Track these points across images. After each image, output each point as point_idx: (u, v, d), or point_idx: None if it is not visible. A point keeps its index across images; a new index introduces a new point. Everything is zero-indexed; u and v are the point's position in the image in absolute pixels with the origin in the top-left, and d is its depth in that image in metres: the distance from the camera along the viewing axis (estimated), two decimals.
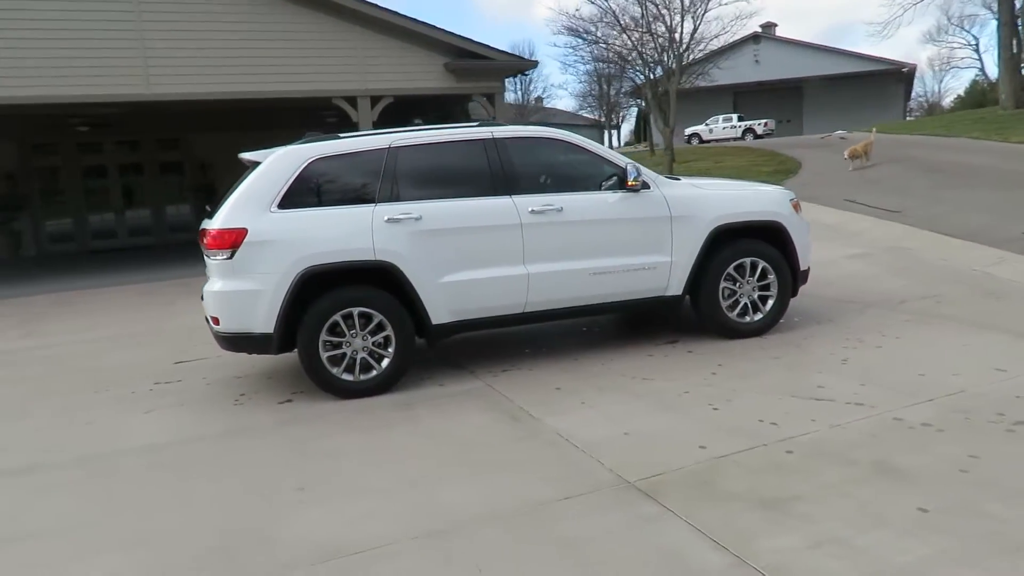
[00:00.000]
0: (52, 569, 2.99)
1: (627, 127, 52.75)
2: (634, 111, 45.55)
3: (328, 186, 4.88)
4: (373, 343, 4.85)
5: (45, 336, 7.87)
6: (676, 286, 5.42)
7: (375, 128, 10.54)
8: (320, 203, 4.82)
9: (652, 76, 22.75)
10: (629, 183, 5.16)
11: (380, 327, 4.84)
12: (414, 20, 12.16)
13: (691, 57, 22.14)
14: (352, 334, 4.80)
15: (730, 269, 5.49)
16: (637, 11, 21.05)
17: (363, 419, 4.49)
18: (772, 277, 5.59)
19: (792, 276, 5.66)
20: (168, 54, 10.82)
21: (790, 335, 5.63)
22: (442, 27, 12.40)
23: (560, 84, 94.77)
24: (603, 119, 41.64)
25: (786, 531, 2.84)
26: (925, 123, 29.06)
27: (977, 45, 45.79)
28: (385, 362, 4.89)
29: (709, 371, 4.90)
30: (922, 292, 6.70)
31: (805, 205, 11.81)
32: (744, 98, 39.35)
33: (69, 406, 5.19)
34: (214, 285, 4.77)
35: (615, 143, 45.82)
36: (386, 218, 4.78)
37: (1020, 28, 24.70)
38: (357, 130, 9.44)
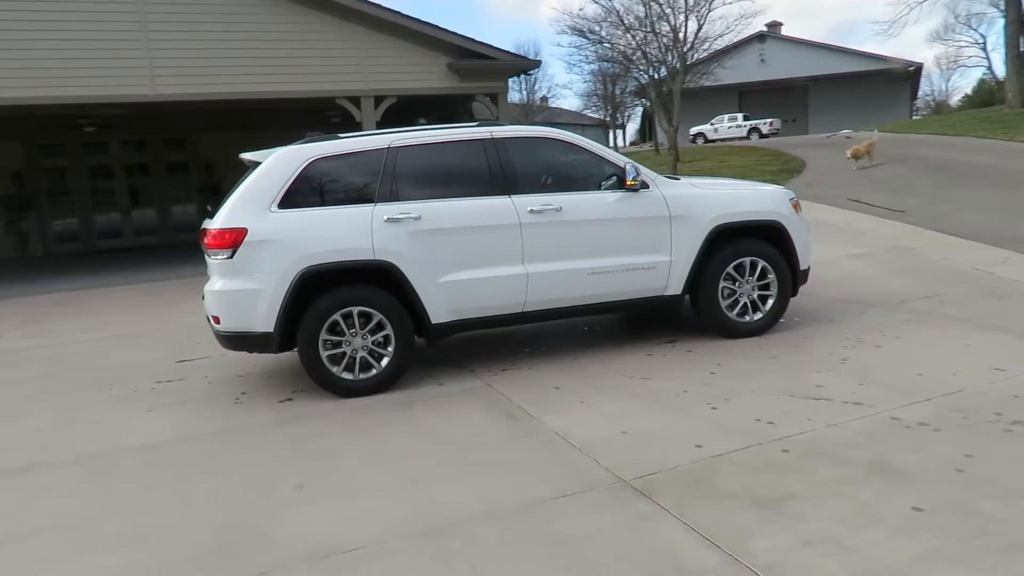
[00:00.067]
0: (51, 567, 3.02)
1: (633, 127, 52.76)
2: (639, 111, 45.52)
3: (328, 186, 4.90)
4: (373, 342, 4.88)
5: (49, 335, 7.92)
6: (675, 286, 5.42)
7: (379, 128, 10.58)
8: (320, 203, 4.85)
9: (656, 76, 22.72)
10: (628, 183, 5.17)
11: (380, 326, 4.86)
12: (417, 20, 12.19)
13: (695, 57, 22.08)
14: (352, 333, 4.83)
15: (729, 269, 5.50)
16: (641, 11, 21.03)
17: (362, 418, 4.51)
18: (772, 277, 5.59)
19: (792, 276, 5.66)
20: (173, 55, 10.88)
21: (790, 335, 5.63)
22: (446, 27, 12.44)
23: (565, 84, 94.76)
24: (608, 119, 41.61)
25: (780, 530, 2.85)
26: (931, 122, 28.94)
27: (984, 44, 45.66)
28: (385, 361, 4.91)
29: (708, 370, 4.91)
30: (924, 292, 6.69)
31: (809, 204, 11.83)
32: (749, 97, 39.28)
33: (71, 405, 5.23)
34: (215, 284, 4.80)
35: (620, 143, 45.81)
36: (385, 218, 4.80)
37: None
38: (361, 130, 9.49)
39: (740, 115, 35.12)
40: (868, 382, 4.44)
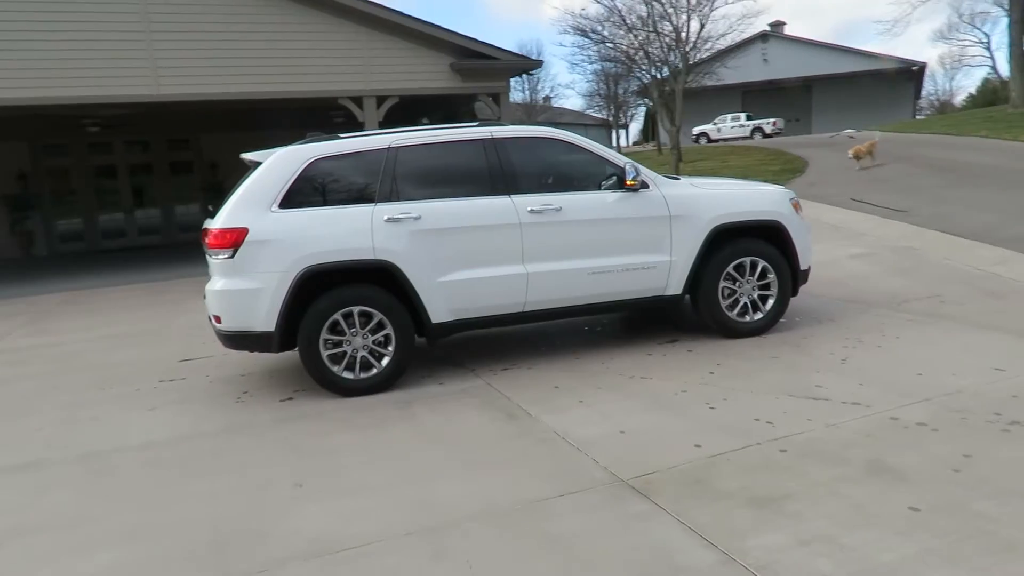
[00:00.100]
0: (52, 563, 3.04)
1: (636, 126, 52.71)
2: (642, 110, 45.49)
3: (328, 186, 4.92)
4: (373, 341, 4.89)
5: (54, 334, 7.96)
6: (675, 285, 5.43)
7: (381, 128, 10.61)
8: (320, 203, 4.87)
9: (658, 76, 22.71)
10: (628, 183, 5.18)
11: (380, 326, 4.88)
12: (420, 20, 12.21)
13: (697, 56, 22.07)
14: (352, 333, 4.84)
15: (730, 268, 5.50)
16: (644, 10, 21.03)
17: (362, 417, 4.53)
18: (772, 276, 5.59)
19: (792, 275, 5.66)
20: (176, 55, 10.92)
21: (790, 334, 5.63)
22: (448, 27, 12.46)
23: (568, 84, 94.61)
24: (611, 119, 41.57)
25: (775, 529, 2.86)
26: (934, 122, 28.87)
27: (988, 43, 45.28)
28: (385, 360, 4.93)
29: (707, 370, 4.92)
30: (925, 292, 6.69)
31: (811, 204, 11.83)
32: (752, 97, 39.23)
33: (74, 403, 5.26)
34: (216, 284, 4.83)
35: (623, 142, 45.76)
36: (386, 218, 4.82)
37: None
38: (363, 130, 9.51)
39: (743, 115, 35.08)
40: (868, 382, 4.44)
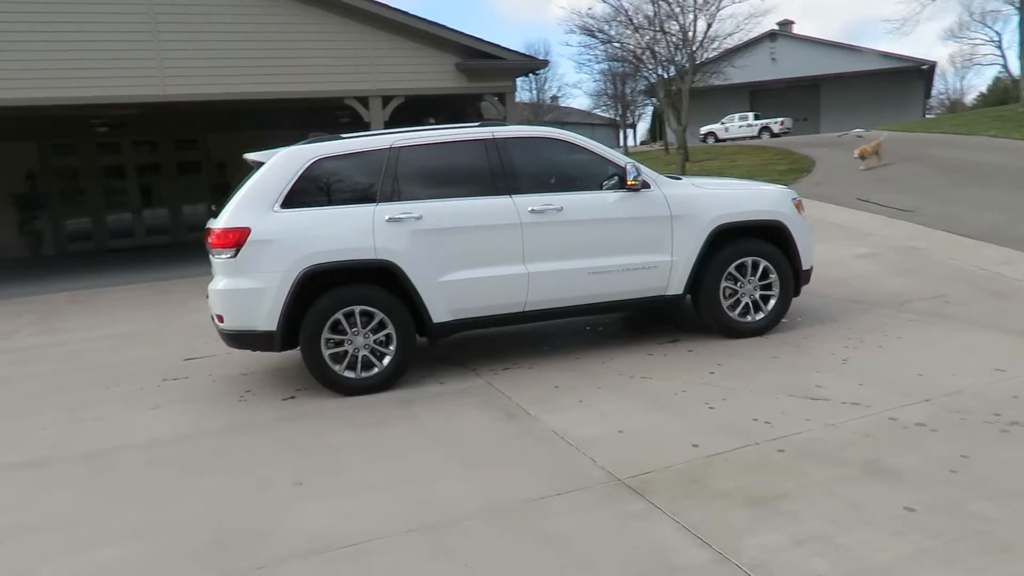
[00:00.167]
0: (54, 560, 3.07)
1: (643, 126, 52.59)
2: (650, 110, 45.40)
3: (330, 186, 4.94)
4: (374, 341, 4.92)
5: (61, 333, 8.02)
6: (676, 285, 5.43)
7: (387, 128, 10.64)
8: (322, 203, 4.89)
9: (665, 75, 22.68)
10: (629, 182, 5.19)
11: (381, 325, 4.90)
12: (425, 20, 12.24)
13: (705, 56, 22.03)
14: (354, 332, 4.87)
15: (731, 268, 5.50)
16: (650, 10, 21.00)
17: (363, 416, 4.55)
18: (774, 276, 5.59)
19: (794, 276, 5.65)
20: (183, 56, 10.98)
21: (792, 335, 5.62)
22: (453, 27, 12.48)
23: (575, 83, 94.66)
24: (618, 118, 41.52)
25: (771, 529, 2.86)
26: (944, 121, 28.72)
27: (1000, 41, 44.94)
28: (386, 360, 4.95)
29: (708, 370, 4.92)
30: (928, 292, 6.67)
31: (817, 204, 11.80)
32: (761, 96, 39.11)
33: (79, 402, 5.30)
34: (218, 283, 4.86)
35: (631, 142, 45.71)
36: (387, 217, 4.84)
37: None
38: (369, 129, 9.55)
39: (751, 114, 35.00)
40: (868, 382, 4.44)
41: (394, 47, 12.18)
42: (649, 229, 5.32)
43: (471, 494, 3.37)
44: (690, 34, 20.53)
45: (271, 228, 4.72)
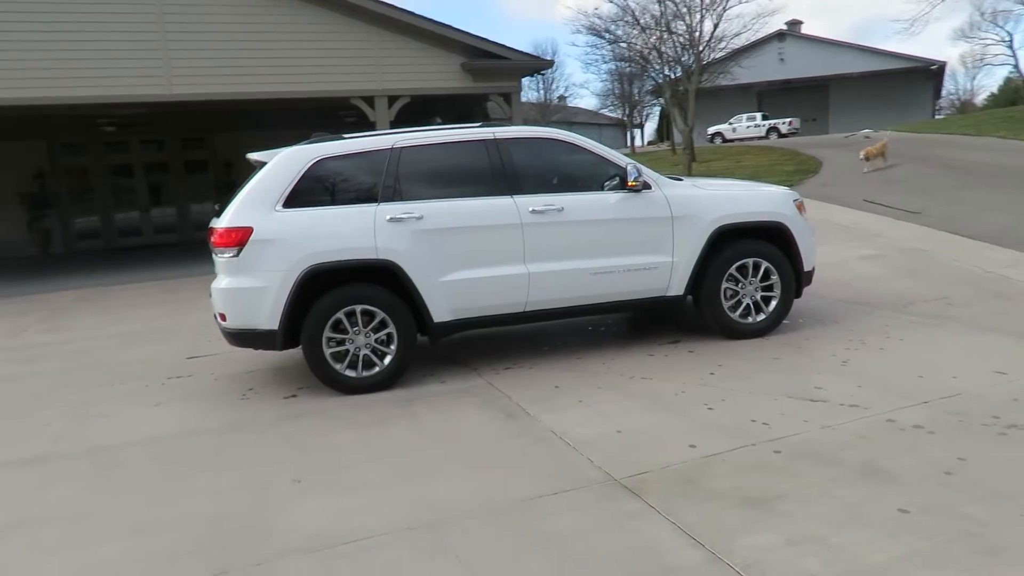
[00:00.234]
0: (56, 555, 3.11)
1: (651, 126, 52.51)
2: (657, 110, 45.33)
3: (332, 186, 4.98)
4: (375, 340, 4.95)
5: (68, 331, 8.09)
6: (677, 286, 5.44)
7: (393, 127, 10.68)
8: (324, 202, 4.92)
9: (672, 75, 22.65)
10: (630, 183, 5.20)
11: (382, 324, 4.93)
12: (431, 20, 12.28)
13: (711, 56, 21.98)
14: (355, 331, 4.90)
15: (732, 270, 5.50)
16: (657, 10, 20.98)
17: (363, 415, 4.58)
18: (775, 278, 5.59)
19: (796, 277, 5.65)
20: (189, 56, 11.06)
21: (793, 336, 5.62)
22: (460, 27, 12.52)
23: (582, 83, 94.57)
24: (625, 118, 41.47)
25: (764, 529, 2.88)
26: (953, 122, 28.56)
27: (1011, 41, 44.80)
28: (387, 359, 4.98)
29: (708, 371, 4.93)
30: (931, 294, 6.65)
31: (823, 205, 11.78)
32: (769, 97, 39.00)
33: (84, 399, 5.35)
34: (221, 282, 4.90)
35: (638, 142, 45.62)
36: (388, 217, 4.87)
37: None
38: (375, 129, 9.59)
39: (759, 114, 34.89)
40: (867, 384, 4.44)
41: (400, 47, 12.22)
42: (650, 230, 5.33)
43: (469, 493, 3.40)
44: (696, 34, 20.49)
45: (273, 227, 4.76)
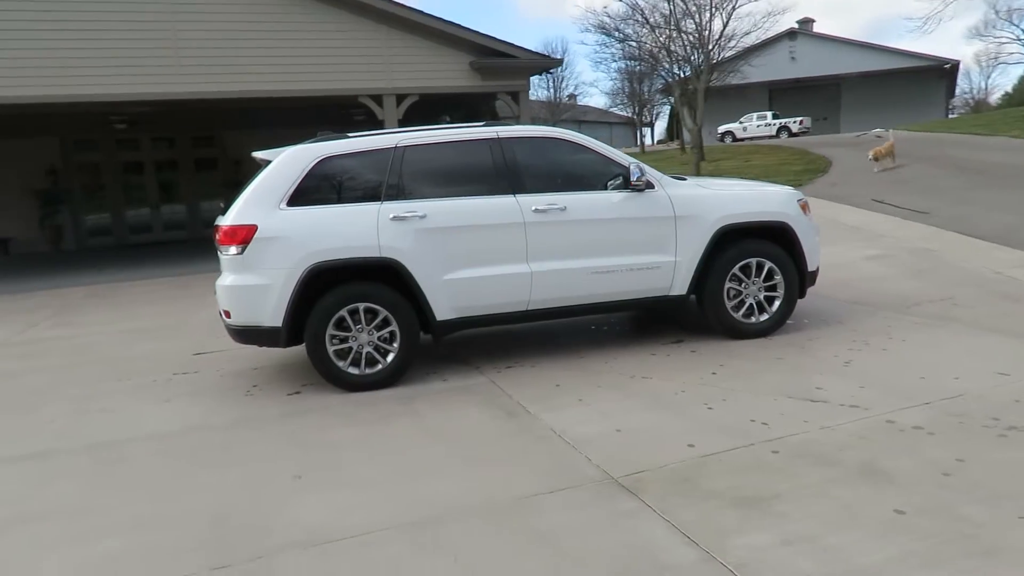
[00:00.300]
0: (57, 550, 3.15)
1: (661, 124, 52.37)
2: (667, 108, 45.22)
3: (336, 184, 5.01)
4: (378, 338, 4.98)
5: (77, 326, 8.18)
6: (680, 286, 5.44)
7: (401, 126, 10.72)
8: (328, 201, 4.95)
9: (681, 74, 22.59)
10: (633, 183, 5.21)
11: (385, 322, 4.96)
12: (439, 19, 12.30)
13: (721, 55, 21.91)
14: (358, 329, 4.93)
15: (735, 269, 5.50)
16: (666, 8, 20.93)
17: (365, 412, 4.62)
18: (778, 278, 5.58)
19: (799, 277, 5.64)
20: (200, 54, 11.13)
21: (796, 336, 5.61)
22: (468, 26, 12.54)
23: (592, 82, 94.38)
24: (635, 117, 41.39)
25: (760, 529, 2.88)
26: (966, 121, 28.34)
27: None
28: (390, 357, 5.01)
29: (709, 371, 4.93)
30: (937, 295, 6.62)
31: (831, 205, 11.74)
32: (780, 95, 38.83)
33: (90, 394, 5.41)
34: (225, 279, 4.95)
35: (648, 141, 45.53)
36: (391, 216, 4.90)
37: None
38: (383, 128, 9.63)
39: (769, 113, 34.75)
40: (869, 385, 4.43)
41: (408, 46, 12.26)
42: (653, 229, 5.33)
43: (467, 490, 3.42)
44: (706, 33, 20.43)
45: (277, 225, 4.80)
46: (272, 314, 4.80)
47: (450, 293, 5.02)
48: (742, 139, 33.45)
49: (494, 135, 5.21)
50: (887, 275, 7.59)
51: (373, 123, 12.11)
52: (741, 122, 34.66)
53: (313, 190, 4.91)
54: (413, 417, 4.48)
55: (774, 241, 5.58)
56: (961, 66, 40.71)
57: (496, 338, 6.24)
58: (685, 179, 5.81)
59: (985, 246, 8.25)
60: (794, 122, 33.17)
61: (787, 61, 37.95)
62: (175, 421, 4.70)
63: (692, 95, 22.13)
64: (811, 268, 5.72)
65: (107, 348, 6.96)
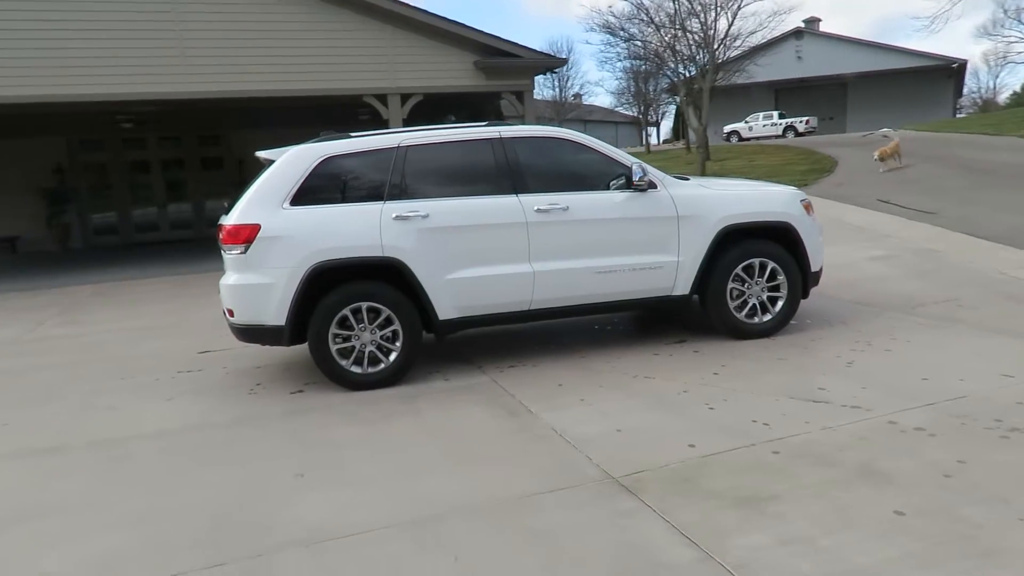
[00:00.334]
0: (58, 546, 3.17)
1: (667, 124, 52.26)
2: (673, 108, 45.12)
3: (338, 184, 5.02)
4: (381, 337, 4.99)
5: (83, 325, 8.22)
6: (683, 286, 5.44)
7: (405, 125, 10.75)
8: (331, 200, 4.97)
9: (686, 74, 22.55)
10: (635, 183, 5.21)
11: (388, 321, 4.98)
12: (444, 18, 12.32)
13: (727, 54, 21.86)
14: (361, 328, 4.95)
15: (738, 270, 5.49)
16: (671, 8, 20.90)
17: (367, 411, 4.63)
18: (781, 278, 5.57)
19: (803, 277, 5.63)
20: (206, 54, 11.17)
21: (799, 337, 5.61)
22: (472, 25, 12.55)
23: (597, 81, 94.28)
24: (641, 116, 41.33)
25: (758, 529, 2.89)
26: (974, 121, 28.21)
27: None
28: (393, 356, 5.02)
29: (711, 371, 4.93)
30: (942, 295, 6.60)
31: (837, 205, 11.71)
32: (786, 95, 38.72)
33: (95, 392, 5.45)
34: (229, 278, 4.97)
35: (654, 140, 45.45)
36: (394, 215, 4.91)
37: None
38: (388, 127, 9.65)
39: (775, 113, 34.68)
40: (871, 386, 4.42)
41: (412, 45, 12.28)
42: (655, 229, 5.33)
43: (467, 489, 3.43)
44: (711, 32, 20.38)
45: (280, 225, 4.82)
46: (275, 313, 4.82)
47: (452, 292, 5.03)
48: (748, 139, 33.38)
49: (496, 135, 5.22)
50: (892, 275, 7.57)
51: (378, 123, 12.12)
52: (747, 122, 34.59)
53: (316, 190, 4.93)
54: (415, 416, 4.49)
55: (777, 241, 5.57)
56: (969, 65, 40.59)
57: (498, 337, 6.25)
58: (688, 179, 5.81)
59: (990, 246, 8.22)
60: (800, 122, 33.08)
61: (793, 61, 37.85)
62: (178, 419, 4.73)
63: (697, 95, 22.07)
64: (814, 268, 5.71)
65: (113, 346, 7.00)
